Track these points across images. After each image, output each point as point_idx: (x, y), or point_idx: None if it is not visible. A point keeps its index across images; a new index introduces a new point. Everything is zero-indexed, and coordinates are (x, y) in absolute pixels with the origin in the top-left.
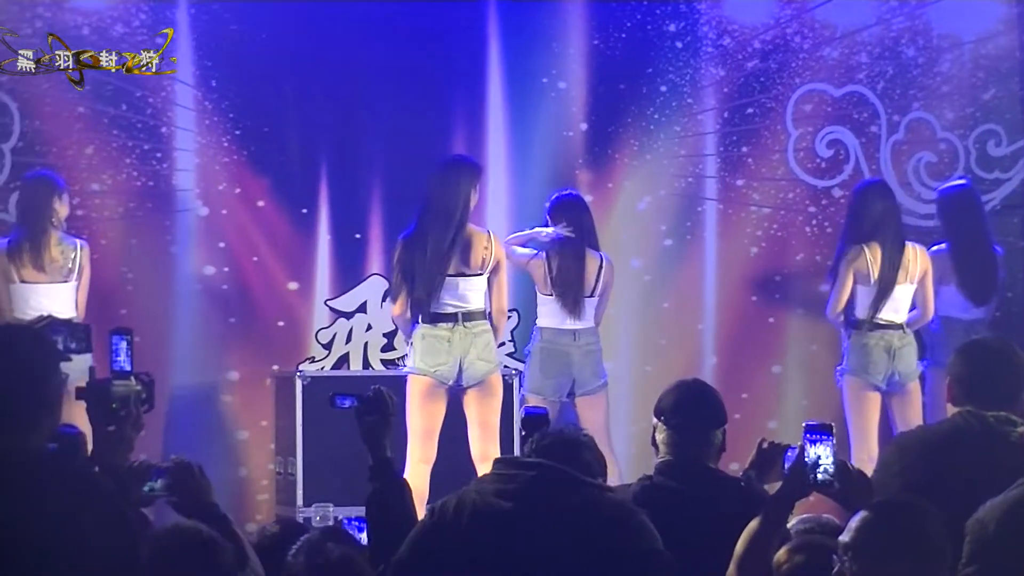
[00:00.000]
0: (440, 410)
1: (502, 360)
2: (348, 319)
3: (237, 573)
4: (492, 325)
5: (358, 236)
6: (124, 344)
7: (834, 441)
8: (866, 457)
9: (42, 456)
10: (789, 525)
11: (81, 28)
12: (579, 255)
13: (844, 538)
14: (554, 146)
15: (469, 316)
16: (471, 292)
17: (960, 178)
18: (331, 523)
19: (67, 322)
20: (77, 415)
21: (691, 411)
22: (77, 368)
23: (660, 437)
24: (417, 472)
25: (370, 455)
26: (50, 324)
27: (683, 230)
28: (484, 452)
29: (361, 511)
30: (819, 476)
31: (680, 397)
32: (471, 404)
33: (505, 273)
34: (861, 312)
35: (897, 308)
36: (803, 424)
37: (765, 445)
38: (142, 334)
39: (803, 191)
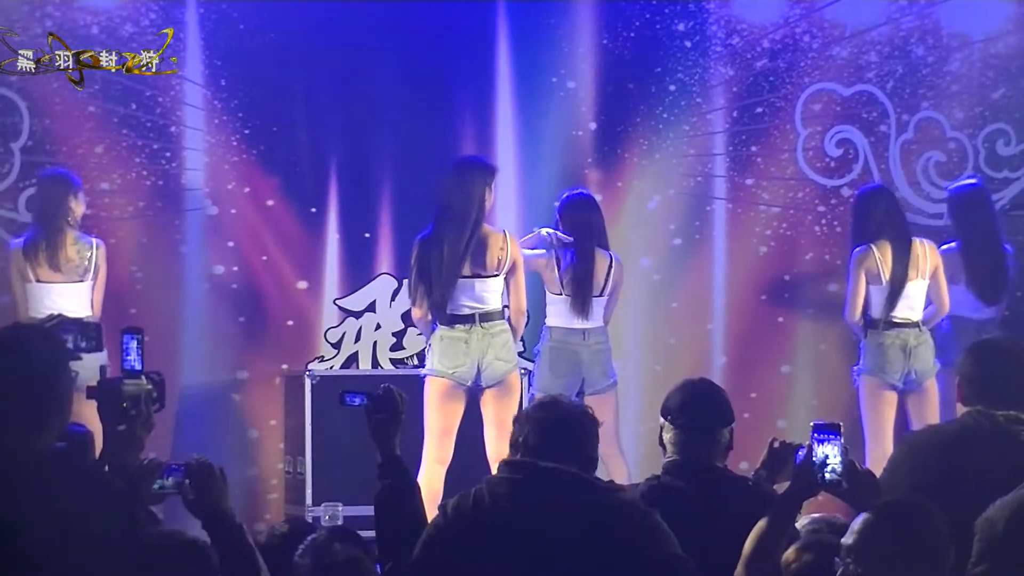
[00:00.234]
0: (458, 411)
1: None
2: (357, 318)
3: None
4: (511, 325)
5: (367, 235)
6: (134, 343)
7: (842, 440)
8: (881, 457)
9: (51, 455)
10: (799, 525)
11: (90, 27)
12: (588, 254)
13: (847, 540)
14: (563, 145)
15: (486, 317)
16: (488, 293)
17: (971, 177)
18: (339, 522)
19: (77, 321)
20: (88, 414)
21: (698, 410)
22: (88, 367)
23: (667, 437)
24: (433, 472)
25: (379, 453)
26: (60, 323)
27: (692, 229)
28: (500, 452)
29: (369, 510)
30: (827, 476)
31: (687, 397)
32: (489, 404)
33: (522, 273)
34: (876, 312)
35: (911, 305)
36: (811, 423)
37: (776, 445)
38: (152, 333)
39: (812, 190)
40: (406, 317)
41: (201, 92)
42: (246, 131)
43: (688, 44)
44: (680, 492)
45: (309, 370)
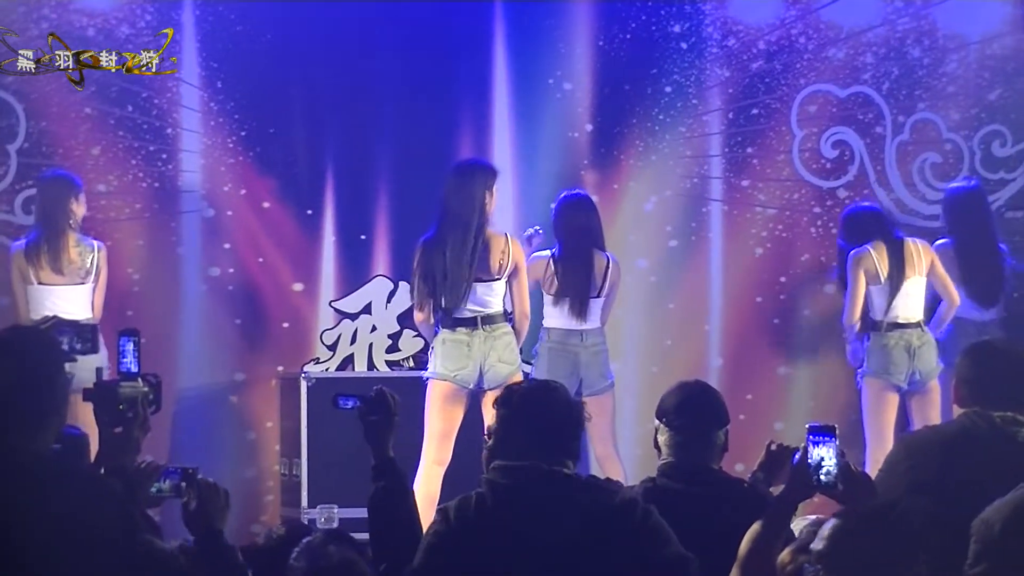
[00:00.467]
0: (459, 414)
1: None
2: (353, 320)
3: None
4: (514, 328)
5: (363, 237)
6: (131, 345)
7: (837, 442)
8: (882, 458)
9: (47, 457)
10: (795, 527)
11: (86, 29)
12: (586, 256)
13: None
14: (560, 147)
15: (489, 320)
16: (490, 296)
17: (967, 179)
18: (335, 525)
19: (73, 323)
20: (84, 416)
21: (693, 412)
22: (85, 369)
23: (662, 439)
24: (431, 473)
25: (373, 455)
26: (56, 325)
27: (688, 231)
28: None
29: (366, 512)
30: (822, 477)
31: (681, 399)
32: (490, 406)
33: (524, 276)
34: (878, 313)
35: (912, 304)
36: (806, 425)
37: (774, 447)
38: (148, 335)
39: (808, 192)
40: (402, 319)
41: (197, 94)
42: (242, 133)
43: (684, 46)
44: (675, 494)
45: (305, 372)
